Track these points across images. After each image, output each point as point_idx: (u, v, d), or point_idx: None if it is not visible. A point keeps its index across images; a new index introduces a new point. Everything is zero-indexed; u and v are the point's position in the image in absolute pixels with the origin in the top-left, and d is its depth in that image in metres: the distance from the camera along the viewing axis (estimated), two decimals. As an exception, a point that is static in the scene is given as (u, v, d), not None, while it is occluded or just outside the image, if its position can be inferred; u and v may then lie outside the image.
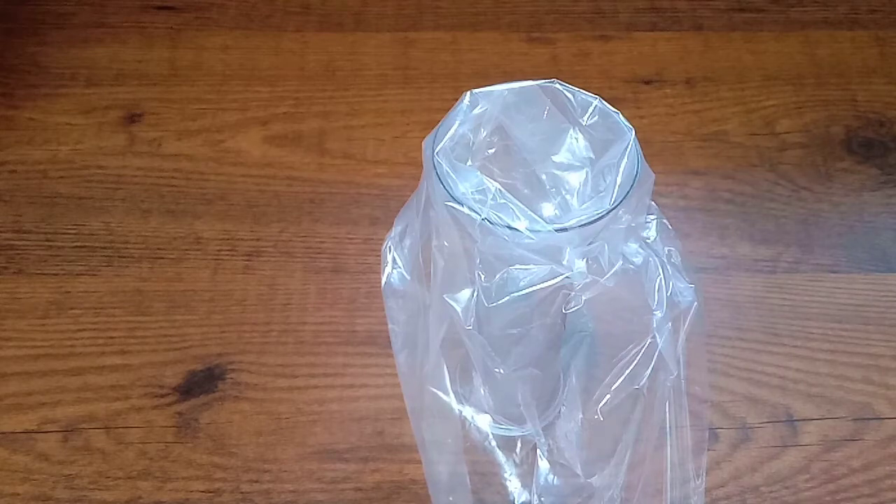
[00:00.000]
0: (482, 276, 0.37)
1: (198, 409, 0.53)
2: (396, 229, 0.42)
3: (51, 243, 0.60)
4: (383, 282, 0.43)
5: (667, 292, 0.38)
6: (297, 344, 0.56)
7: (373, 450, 0.52)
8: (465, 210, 0.35)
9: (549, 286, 0.36)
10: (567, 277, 0.36)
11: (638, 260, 0.38)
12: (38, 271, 0.59)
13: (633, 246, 0.38)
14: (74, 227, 0.61)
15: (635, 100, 0.69)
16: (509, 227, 0.35)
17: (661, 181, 0.63)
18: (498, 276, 0.36)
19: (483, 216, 0.35)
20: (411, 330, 0.44)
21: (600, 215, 0.35)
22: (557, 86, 0.39)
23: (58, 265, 0.59)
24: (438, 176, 0.36)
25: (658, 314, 0.38)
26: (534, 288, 0.36)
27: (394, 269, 0.43)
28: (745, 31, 0.75)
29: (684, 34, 0.74)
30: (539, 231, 0.35)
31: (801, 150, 0.67)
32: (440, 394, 0.42)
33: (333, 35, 0.73)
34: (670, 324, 0.39)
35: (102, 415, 0.53)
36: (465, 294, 0.38)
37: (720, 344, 0.56)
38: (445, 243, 0.37)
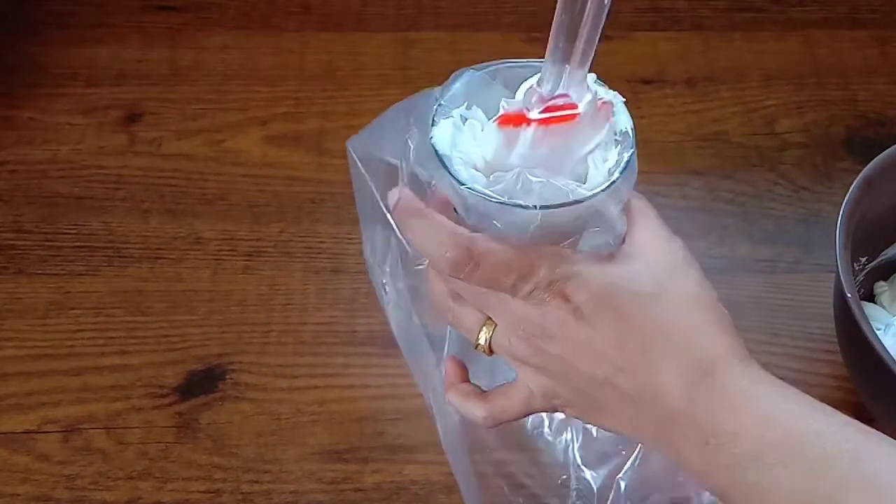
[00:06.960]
0: None
1: (198, 410, 0.53)
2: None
3: (51, 243, 0.60)
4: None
5: None
6: (297, 344, 0.56)
7: (373, 450, 0.52)
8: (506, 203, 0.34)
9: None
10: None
11: None
12: (38, 271, 0.59)
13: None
14: (74, 227, 0.61)
15: (635, 100, 0.68)
16: (571, 203, 0.34)
17: (661, 181, 0.63)
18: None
19: (534, 204, 0.33)
20: None
21: (627, 161, 0.35)
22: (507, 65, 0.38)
23: (58, 265, 0.59)
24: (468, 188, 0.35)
25: None
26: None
27: None
28: (745, 30, 0.75)
29: (684, 34, 0.74)
30: (588, 195, 0.34)
31: (801, 150, 0.67)
32: None
33: (333, 35, 0.73)
34: None
35: (102, 415, 0.53)
36: None
37: (720, 344, 0.56)
38: None
